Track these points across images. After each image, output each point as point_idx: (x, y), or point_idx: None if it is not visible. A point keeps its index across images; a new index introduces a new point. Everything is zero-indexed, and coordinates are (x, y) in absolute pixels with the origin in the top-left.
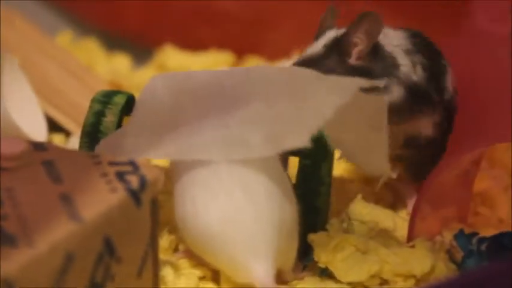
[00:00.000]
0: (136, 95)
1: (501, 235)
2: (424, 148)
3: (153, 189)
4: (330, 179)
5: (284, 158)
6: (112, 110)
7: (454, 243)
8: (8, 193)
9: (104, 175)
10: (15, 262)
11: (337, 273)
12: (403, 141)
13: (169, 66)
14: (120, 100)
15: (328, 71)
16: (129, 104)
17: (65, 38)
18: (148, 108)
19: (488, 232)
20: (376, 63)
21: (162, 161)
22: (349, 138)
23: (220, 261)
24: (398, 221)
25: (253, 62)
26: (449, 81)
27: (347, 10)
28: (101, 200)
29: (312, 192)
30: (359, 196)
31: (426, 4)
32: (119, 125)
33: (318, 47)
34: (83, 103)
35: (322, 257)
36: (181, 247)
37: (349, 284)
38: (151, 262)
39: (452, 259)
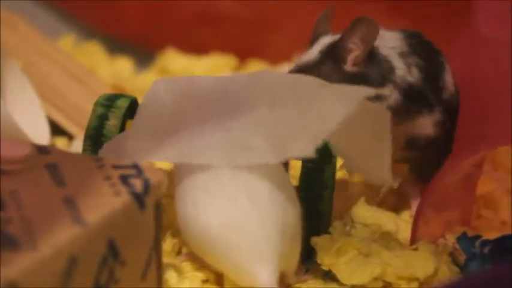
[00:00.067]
0: (139, 99)
1: (504, 238)
2: (427, 149)
3: (157, 192)
4: (333, 182)
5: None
6: (115, 114)
7: (457, 246)
8: (11, 196)
9: (108, 178)
10: (18, 265)
11: (340, 276)
12: (404, 142)
13: (172, 69)
14: (123, 104)
15: (324, 77)
16: (132, 107)
17: (68, 41)
18: (151, 112)
19: (491, 235)
20: (372, 68)
21: (165, 164)
22: (352, 146)
23: (223, 265)
24: (401, 224)
25: (256, 66)
26: (449, 81)
27: (345, 12)
28: (104, 203)
29: (315, 195)
30: (362, 199)
31: (426, 4)
32: (122, 128)
33: (313, 53)
34: (86, 107)
35: (325, 260)
36: (184, 250)
37: (352, 286)
38: (155, 265)
39: (455, 262)
